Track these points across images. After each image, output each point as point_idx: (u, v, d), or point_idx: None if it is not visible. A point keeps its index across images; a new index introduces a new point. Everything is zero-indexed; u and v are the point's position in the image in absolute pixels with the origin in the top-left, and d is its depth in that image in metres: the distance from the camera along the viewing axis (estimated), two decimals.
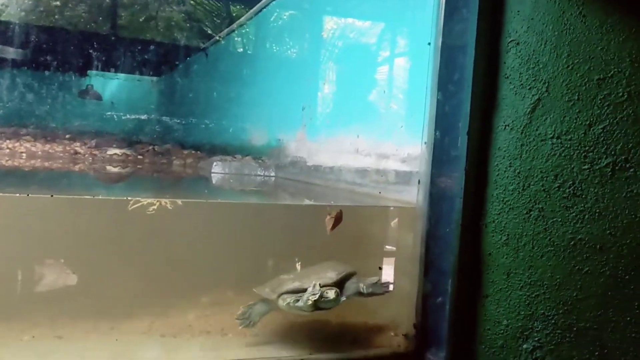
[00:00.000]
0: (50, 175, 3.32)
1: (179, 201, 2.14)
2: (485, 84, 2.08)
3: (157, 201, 2.06)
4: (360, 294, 2.30)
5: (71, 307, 2.29)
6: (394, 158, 2.64)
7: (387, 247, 2.54)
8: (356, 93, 3.14)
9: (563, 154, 1.92)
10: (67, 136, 4.33)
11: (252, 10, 4.75)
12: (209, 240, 2.44)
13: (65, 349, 2.06)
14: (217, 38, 5.50)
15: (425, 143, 2.25)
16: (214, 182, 3.57)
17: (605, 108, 1.83)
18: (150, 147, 4.35)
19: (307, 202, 2.38)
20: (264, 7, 4.37)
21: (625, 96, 1.80)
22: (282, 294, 2.28)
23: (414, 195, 2.31)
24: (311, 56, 3.89)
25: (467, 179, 2.08)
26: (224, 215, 2.50)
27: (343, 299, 2.25)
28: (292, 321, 2.32)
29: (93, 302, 2.32)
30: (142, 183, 3.53)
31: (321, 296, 2.15)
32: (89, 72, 5.35)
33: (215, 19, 5.90)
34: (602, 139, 1.86)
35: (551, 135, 1.94)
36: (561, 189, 1.92)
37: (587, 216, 1.88)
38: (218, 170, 3.64)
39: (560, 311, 1.92)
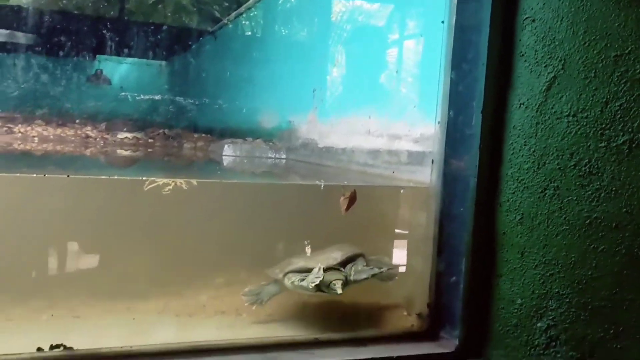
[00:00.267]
0: (63, 159, 3.34)
1: (194, 181, 2.14)
2: (500, 62, 2.06)
3: (173, 181, 2.07)
4: (369, 275, 2.29)
5: (87, 288, 2.31)
6: (407, 138, 2.63)
7: (400, 226, 2.54)
8: (367, 74, 3.13)
9: (579, 132, 1.90)
10: (77, 121, 4.34)
11: None
12: (222, 221, 2.45)
13: (83, 328, 2.08)
14: (226, 21, 5.47)
15: (438, 122, 2.23)
16: (225, 164, 3.58)
17: (622, 85, 1.81)
18: (161, 131, 4.36)
19: (319, 182, 2.37)
20: None
21: None
22: (288, 272, 2.30)
23: (427, 176, 2.31)
24: (321, 39, 3.86)
25: (482, 158, 2.08)
26: (238, 195, 2.51)
27: (352, 279, 2.24)
28: (306, 301, 2.33)
29: (108, 283, 2.34)
30: (154, 166, 3.55)
31: (327, 283, 2.17)
32: (98, 56, 5.34)
33: (223, 2, 5.87)
34: (618, 116, 1.84)
35: (567, 113, 1.92)
36: (577, 167, 1.91)
37: (603, 194, 1.87)
38: (229, 152, 3.65)
39: (575, 290, 1.92)
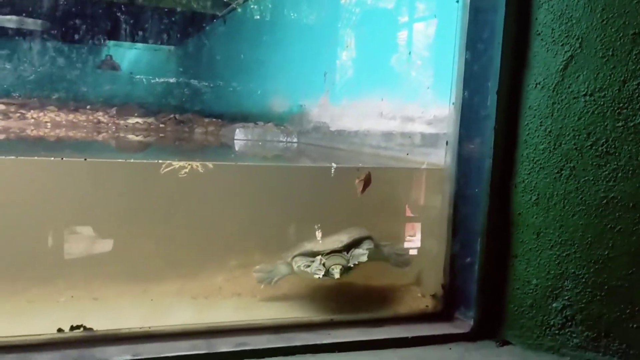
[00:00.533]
0: (77, 144, 3.36)
1: (210, 164, 2.15)
2: (515, 41, 2.04)
3: (189, 164, 2.08)
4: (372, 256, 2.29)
5: (104, 270, 2.33)
6: (420, 120, 2.61)
7: (414, 208, 2.54)
8: (379, 57, 3.11)
9: (596, 112, 1.89)
10: (88, 107, 4.35)
11: None
12: (236, 204, 2.46)
13: (101, 310, 2.11)
14: (235, 6, 5.44)
15: (453, 104, 2.22)
16: (236, 148, 3.58)
17: None
18: (172, 116, 4.36)
19: (333, 165, 2.37)
20: None
21: None
22: (296, 256, 2.31)
23: (441, 157, 2.30)
24: (330, 22, 3.83)
25: (497, 139, 2.06)
26: (252, 178, 2.51)
27: (357, 261, 2.23)
28: (320, 283, 2.34)
29: (125, 265, 2.36)
30: (167, 150, 3.56)
31: (327, 268, 2.18)
32: (107, 42, 5.33)
33: None
34: (637, 95, 1.82)
35: (584, 93, 1.91)
36: (594, 147, 1.90)
37: (620, 174, 1.86)
38: (240, 137, 3.65)
39: (591, 270, 1.92)
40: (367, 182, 2.24)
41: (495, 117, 2.06)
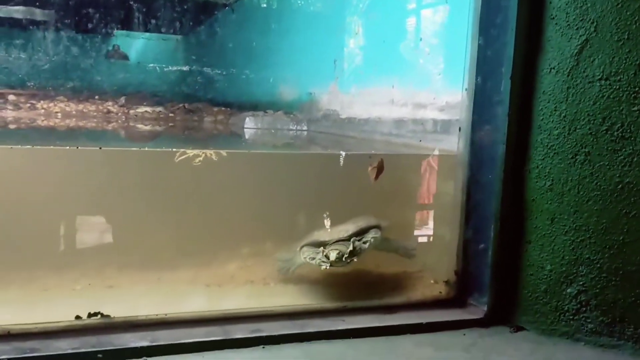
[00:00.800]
0: (89, 134, 3.37)
1: (224, 152, 2.15)
2: (529, 26, 2.02)
3: (203, 152, 2.08)
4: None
5: (118, 258, 2.35)
6: (432, 107, 2.60)
7: (427, 194, 2.54)
8: (389, 43, 3.08)
9: (611, 96, 1.87)
10: (97, 97, 4.35)
11: None
12: (249, 192, 2.47)
13: (117, 297, 2.12)
14: None
15: (465, 90, 2.21)
16: (247, 137, 3.58)
17: None
18: (181, 105, 4.36)
19: (343, 152, 2.37)
20: None
21: None
22: (303, 246, 2.32)
23: (454, 144, 2.29)
24: (339, 8, 3.81)
25: (511, 125, 2.05)
26: (265, 166, 2.51)
27: (355, 259, 2.24)
28: (332, 270, 2.34)
29: (139, 253, 2.38)
30: (178, 139, 3.56)
31: (327, 257, 2.18)
32: (115, 32, 5.32)
33: None
34: None
35: (599, 77, 1.89)
36: (609, 132, 1.88)
37: (635, 159, 1.85)
38: (250, 125, 3.65)
39: (606, 255, 1.92)
40: (380, 169, 2.24)
41: (508, 102, 2.05)
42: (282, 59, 4.19)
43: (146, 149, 2.23)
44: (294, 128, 3.63)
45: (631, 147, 1.85)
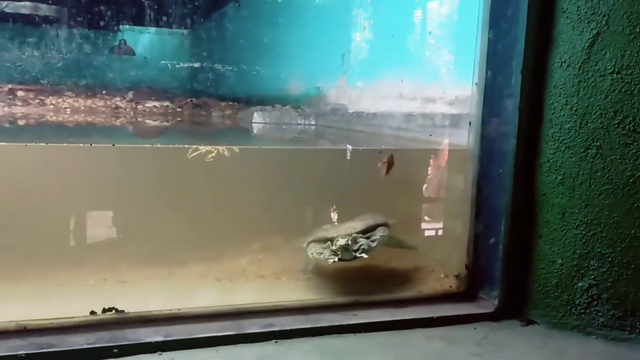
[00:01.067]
0: (99, 129, 3.39)
1: (236, 148, 2.16)
2: (540, 19, 2.02)
3: (215, 148, 2.09)
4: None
5: (130, 254, 2.37)
6: (441, 101, 2.60)
7: (437, 189, 2.54)
8: (398, 37, 3.08)
9: (623, 90, 1.87)
10: (104, 92, 4.37)
11: None
12: (260, 187, 2.48)
13: (129, 293, 2.14)
14: None
15: (476, 84, 2.20)
16: (255, 132, 3.59)
17: None
18: (189, 100, 4.37)
19: (354, 147, 2.38)
20: None
21: None
22: (310, 242, 2.33)
23: (463, 138, 2.29)
24: (347, 2, 3.79)
25: (521, 119, 2.05)
26: (276, 161, 2.52)
27: (365, 256, 2.23)
28: (344, 265, 2.35)
29: (150, 249, 2.40)
30: (187, 134, 3.58)
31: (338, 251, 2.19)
32: (121, 27, 5.32)
33: None
34: None
35: (611, 71, 1.89)
36: (621, 126, 1.88)
37: None
38: (258, 120, 3.66)
39: (618, 249, 1.92)
40: (390, 164, 2.25)
41: (519, 96, 2.04)
42: (289, 53, 4.20)
43: (158, 145, 2.24)
44: (302, 122, 3.64)
45: None
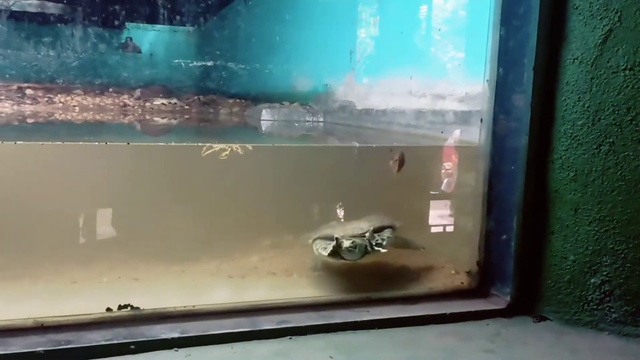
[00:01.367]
0: (110, 127, 3.40)
1: (249, 146, 2.17)
2: (552, 16, 2.02)
3: (229, 146, 2.10)
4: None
5: (142, 251, 2.38)
6: (451, 98, 2.60)
7: (448, 185, 2.54)
8: (407, 34, 3.08)
9: (636, 86, 1.87)
10: (111, 89, 4.38)
11: None
12: (270, 184, 2.49)
13: (143, 290, 2.15)
14: None
15: (487, 81, 2.21)
16: (264, 129, 3.60)
17: None
18: (196, 97, 4.38)
19: (366, 145, 2.38)
20: None
21: None
22: (316, 239, 2.34)
23: (474, 135, 2.29)
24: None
25: (533, 116, 2.05)
26: (287, 159, 2.53)
27: (382, 250, 2.25)
28: (355, 262, 2.36)
29: (162, 246, 2.41)
30: (196, 132, 3.59)
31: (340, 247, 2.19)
32: (127, 24, 5.32)
33: None
34: None
35: (623, 67, 1.89)
36: (634, 122, 1.88)
37: None
38: (267, 117, 3.66)
39: (630, 245, 1.92)
40: (401, 161, 2.25)
41: (531, 93, 2.05)
42: (297, 51, 4.20)
43: (172, 143, 2.25)
44: (310, 120, 3.64)
45: None
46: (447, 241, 2.48)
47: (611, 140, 1.92)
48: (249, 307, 1.98)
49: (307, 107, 3.78)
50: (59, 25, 4.21)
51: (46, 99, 3.88)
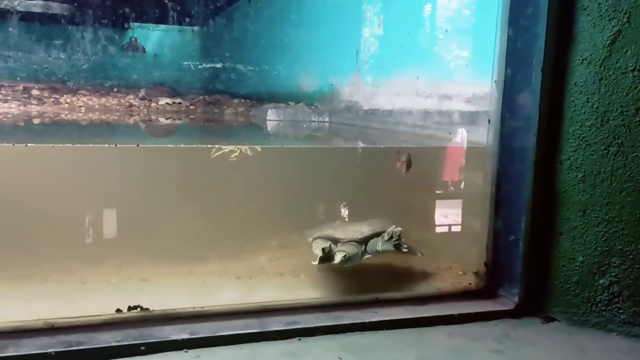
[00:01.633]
0: (118, 128, 3.41)
1: (258, 147, 2.17)
2: (560, 17, 2.01)
3: (238, 148, 2.10)
4: (377, 251, 2.29)
5: (150, 252, 2.39)
6: (458, 98, 2.60)
7: (455, 186, 2.55)
8: (413, 34, 3.08)
9: None
10: (115, 89, 4.38)
11: None
12: (276, 184, 2.50)
13: (151, 290, 2.16)
14: None
15: (495, 81, 2.20)
16: (269, 129, 3.60)
17: None
18: (201, 97, 4.38)
19: (360, 144, 2.39)
20: None
21: None
22: (316, 238, 2.34)
23: (481, 135, 2.29)
24: None
25: (541, 116, 2.05)
26: (294, 159, 2.53)
27: (368, 255, 2.28)
28: (363, 262, 2.36)
29: (170, 247, 2.42)
30: (203, 132, 3.59)
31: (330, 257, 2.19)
32: (131, 24, 5.32)
33: None
34: None
35: (632, 68, 1.89)
36: None
37: None
38: (273, 117, 3.66)
39: (639, 246, 1.92)
40: (408, 163, 2.26)
41: (539, 94, 2.05)
42: (302, 50, 4.20)
43: (182, 145, 2.26)
44: (316, 120, 3.65)
45: None
46: (454, 242, 2.48)
47: (620, 141, 1.92)
48: (258, 308, 1.99)
49: (313, 107, 3.78)
50: (63, 25, 4.22)
51: (52, 99, 3.90)
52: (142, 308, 1.89)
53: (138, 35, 5.35)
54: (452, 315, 2.05)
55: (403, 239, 2.24)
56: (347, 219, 2.70)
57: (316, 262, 2.19)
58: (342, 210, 2.66)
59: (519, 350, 1.87)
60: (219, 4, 5.16)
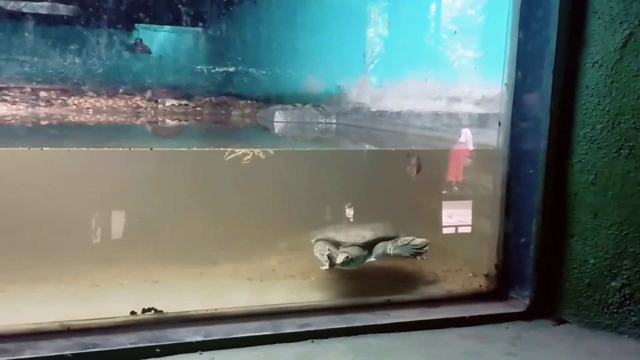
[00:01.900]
0: (121, 130, 3.42)
1: (271, 150, 2.18)
2: (571, 20, 2.02)
3: (251, 151, 2.11)
4: (387, 255, 2.30)
5: (161, 254, 2.40)
6: (467, 101, 2.61)
7: (466, 188, 2.55)
8: (422, 36, 3.08)
9: None
10: (121, 90, 4.39)
11: None
12: (286, 187, 2.51)
13: (164, 292, 2.17)
14: None
15: (505, 84, 2.21)
16: (276, 131, 3.61)
17: None
18: (207, 99, 4.39)
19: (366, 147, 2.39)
20: None
21: None
22: (318, 240, 2.35)
23: (491, 138, 2.30)
24: (369, 0, 3.79)
25: (552, 119, 2.06)
26: (303, 161, 2.54)
27: (372, 259, 2.29)
28: (370, 265, 2.37)
29: (180, 249, 2.43)
30: (211, 134, 3.60)
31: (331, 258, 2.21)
32: (136, 25, 5.33)
33: None
34: None
35: None
36: None
37: None
38: (280, 119, 3.67)
39: None
40: (418, 166, 2.27)
41: (550, 96, 2.05)
42: (308, 52, 4.20)
43: (194, 148, 2.27)
44: (323, 121, 3.65)
45: None
46: (464, 244, 2.49)
47: (631, 144, 1.92)
48: (271, 310, 2.00)
49: (320, 108, 3.79)
50: (70, 27, 4.23)
51: (60, 101, 3.91)
52: (155, 310, 1.89)
53: (143, 36, 5.36)
54: (464, 317, 2.05)
55: (426, 249, 2.24)
56: (352, 220, 2.71)
57: (326, 267, 2.20)
58: (351, 212, 2.67)
59: (531, 352, 1.88)
60: (224, 5, 5.16)
